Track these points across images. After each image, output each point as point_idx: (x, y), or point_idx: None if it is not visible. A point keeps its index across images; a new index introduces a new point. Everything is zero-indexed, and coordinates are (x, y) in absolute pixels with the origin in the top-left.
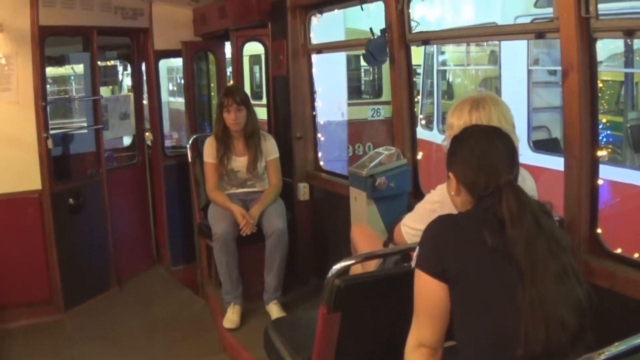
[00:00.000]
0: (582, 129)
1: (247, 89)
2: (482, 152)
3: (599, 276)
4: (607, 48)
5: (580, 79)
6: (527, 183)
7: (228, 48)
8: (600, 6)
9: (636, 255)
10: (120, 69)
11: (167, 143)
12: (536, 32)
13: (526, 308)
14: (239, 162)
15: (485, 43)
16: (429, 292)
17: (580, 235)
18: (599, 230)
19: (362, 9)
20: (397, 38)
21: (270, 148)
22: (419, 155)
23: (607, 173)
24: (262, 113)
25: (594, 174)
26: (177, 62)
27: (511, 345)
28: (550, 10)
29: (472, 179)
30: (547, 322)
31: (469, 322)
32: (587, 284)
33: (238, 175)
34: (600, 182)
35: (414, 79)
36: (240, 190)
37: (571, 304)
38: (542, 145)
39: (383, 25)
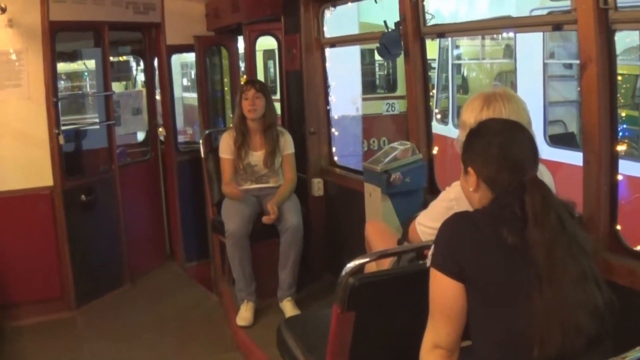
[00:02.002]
0: (601, 123)
1: None
2: (504, 145)
3: (619, 274)
4: (623, 42)
5: (599, 72)
6: (544, 178)
7: (241, 43)
8: None
9: None
10: (133, 64)
11: (181, 138)
12: (554, 23)
13: (542, 311)
14: (256, 157)
15: (500, 37)
16: (445, 292)
17: (600, 232)
18: (618, 227)
19: (375, 1)
20: (411, 31)
21: (287, 143)
22: (434, 150)
23: (623, 168)
24: (276, 108)
25: (614, 169)
26: (191, 57)
27: (527, 346)
28: (566, 3)
29: (494, 174)
30: (563, 327)
31: (485, 322)
32: (608, 291)
33: (255, 169)
34: (619, 177)
35: (429, 73)
36: (255, 185)
37: (589, 309)
38: (558, 140)
39: (397, 18)
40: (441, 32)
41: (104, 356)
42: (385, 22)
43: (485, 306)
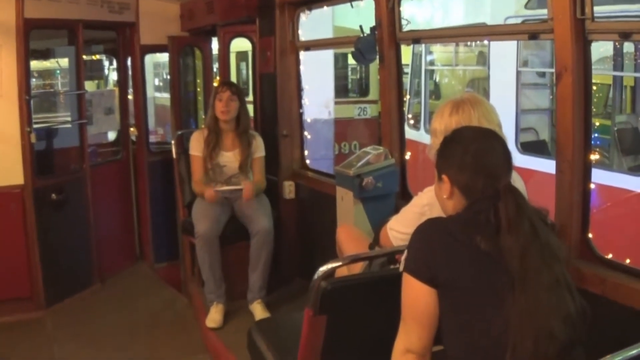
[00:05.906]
0: (575, 133)
1: None
2: (479, 152)
3: (590, 282)
4: (597, 51)
5: (575, 82)
6: (517, 184)
7: (215, 44)
8: (595, 8)
9: (627, 261)
10: (106, 63)
11: (152, 139)
12: (530, 32)
13: (515, 317)
14: (226, 157)
15: (473, 44)
16: (417, 297)
17: (572, 240)
18: (590, 235)
19: (352, 6)
20: (387, 36)
21: (258, 146)
22: (406, 156)
23: (594, 176)
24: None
25: (586, 178)
26: (164, 57)
27: (500, 352)
28: (541, 11)
29: (469, 182)
30: (535, 332)
31: (458, 327)
32: (580, 299)
33: (224, 170)
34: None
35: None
36: (225, 187)
37: (561, 315)
38: (530, 147)
39: (373, 23)
40: (417, 37)
41: (74, 358)
42: (361, 26)
43: (458, 312)
